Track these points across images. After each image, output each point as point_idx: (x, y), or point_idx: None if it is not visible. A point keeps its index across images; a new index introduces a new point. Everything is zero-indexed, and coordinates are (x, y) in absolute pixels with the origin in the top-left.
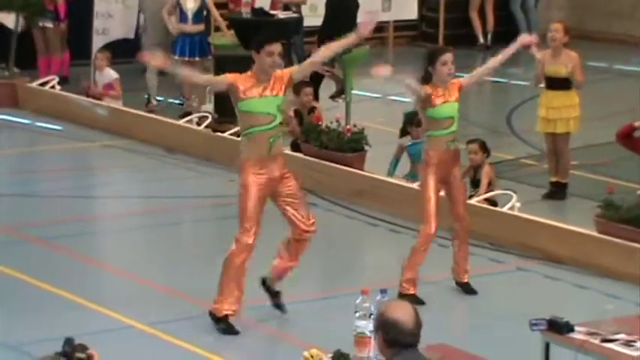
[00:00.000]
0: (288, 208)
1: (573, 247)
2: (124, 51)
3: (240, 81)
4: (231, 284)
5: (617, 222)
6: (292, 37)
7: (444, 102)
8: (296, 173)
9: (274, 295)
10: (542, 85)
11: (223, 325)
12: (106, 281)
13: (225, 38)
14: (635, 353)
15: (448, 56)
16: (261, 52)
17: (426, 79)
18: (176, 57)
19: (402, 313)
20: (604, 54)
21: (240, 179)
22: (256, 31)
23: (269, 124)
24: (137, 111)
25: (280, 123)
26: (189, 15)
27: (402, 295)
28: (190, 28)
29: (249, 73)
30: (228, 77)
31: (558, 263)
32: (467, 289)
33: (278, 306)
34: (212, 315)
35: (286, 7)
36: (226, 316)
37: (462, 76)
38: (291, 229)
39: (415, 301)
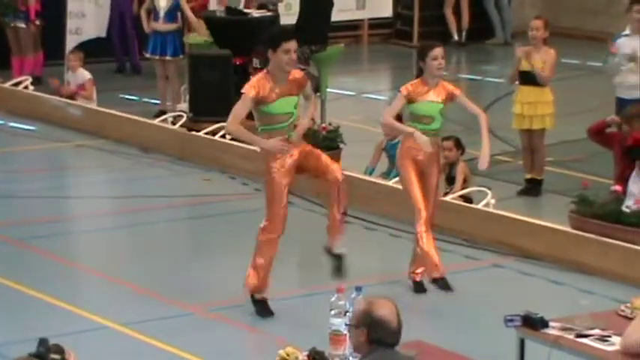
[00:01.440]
0: (313, 164)
1: (548, 243)
2: (96, 50)
3: (259, 89)
4: (264, 263)
5: (591, 218)
6: None
7: (427, 100)
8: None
9: (336, 259)
10: (517, 82)
11: (258, 307)
12: (81, 281)
13: (199, 37)
14: (609, 348)
15: (438, 51)
16: (277, 51)
17: (419, 75)
18: (148, 55)
19: (388, 311)
20: (578, 51)
21: (264, 169)
22: (230, 30)
23: (287, 121)
24: (111, 110)
25: (295, 117)
26: (161, 13)
27: (435, 280)
28: (162, 26)
29: (263, 74)
30: (248, 94)
31: (533, 259)
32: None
33: (338, 269)
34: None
35: (262, 6)
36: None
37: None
38: (324, 179)
39: (445, 285)
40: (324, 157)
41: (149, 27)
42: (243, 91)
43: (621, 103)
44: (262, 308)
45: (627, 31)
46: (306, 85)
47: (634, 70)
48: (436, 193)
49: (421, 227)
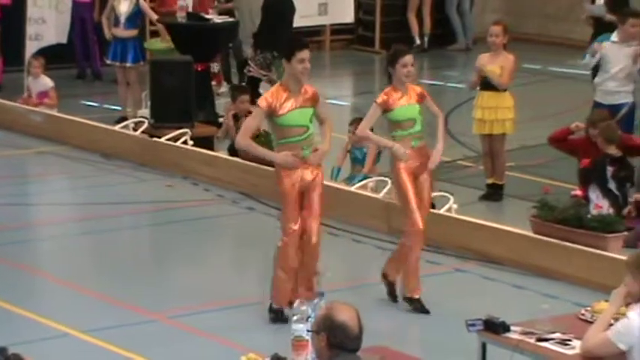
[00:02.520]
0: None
1: (510, 248)
2: (57, 56)
3: (272, 100)
4: (284, 276)
5: (552, 222)
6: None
7: (403, 104)
8: (234, 177)
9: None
10: (477, 87)
11: (273, 315)
12: (42, 289)
13: (160, 43)
14: (570, 352)
15: (408, 58)
16: (292, 61)
17: (389, 80)
18: (108, 61)
19: (349, 316)
20: (539, 56)
21: (277, 183)
22: (191, 36)
23: (302, 135)
24: (72, 117)
25: (312, 134)
26: (122, 19)
27: (411, 300)
28: (122, 32)
29: (277, 86)
30: (261, 106)
31: (495, 264)
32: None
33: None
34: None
35: (229, 12)
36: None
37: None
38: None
39: (421, 307)
40: (317, 209)
41: (110, 33)
42: (257, 103)
43: (598, 108)
44: (277, 317)
45: (614, 38)
46: (319, 100)
47: (613, 77)
48: (429, 199)
49: (409, 241)
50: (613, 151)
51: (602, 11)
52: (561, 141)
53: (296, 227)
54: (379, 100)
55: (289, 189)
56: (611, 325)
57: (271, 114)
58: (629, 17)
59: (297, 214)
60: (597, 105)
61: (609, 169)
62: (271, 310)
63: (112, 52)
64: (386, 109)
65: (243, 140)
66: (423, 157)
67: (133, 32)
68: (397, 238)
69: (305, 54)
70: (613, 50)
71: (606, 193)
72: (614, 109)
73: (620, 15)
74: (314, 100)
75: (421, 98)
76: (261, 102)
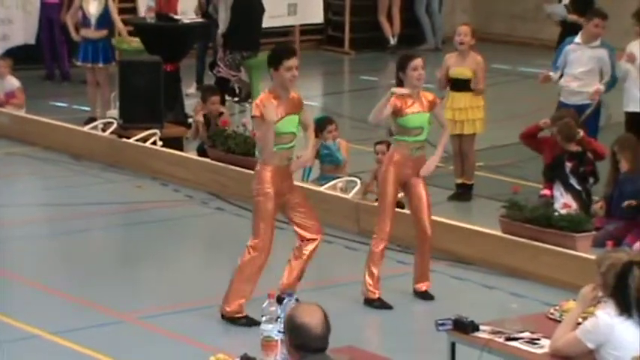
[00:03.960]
0: (296, 215)
1: (479, 248)
2: (25, 57)
3: (266, 106)
4: (244, 286)
5: (521, 222)
6: (207, 42)
7: (414, 112)
8: (204, 178)
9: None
10: (447, 88)
11: (244, 321)
12: (12, 290)
13: (129, 43)
14: (539, 351)
15: (418, 62)
16: (279, 69)
17: (398, 85)
18: (79, 63)
19: (311, 317)
20: (508, 56)
21: (256, 186)
22: (160, 37)
23: (290, 143)
24: (40, 118)
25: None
26: (93, 20)
27: (370, 300)
28: (93, 33)
29: (267, 93)
30: (258, 116)
31: (464, 263)
32: (425, 296)
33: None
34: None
35: (205, 14)
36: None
37: (372, 80)
38: (299, 234)
39: (382, 305)
40: (313, 214)
41: (79, 35)
42: (254, 114)
43: (563, 108)
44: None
45: (578, 39)
46: (303, 107)
47: (577, 77)
48: (428, 200)
49: (378, 247)
50: (572, 147)
51: (563, 11)
52: (531, 137)
53: (267, 246)
54: (393, 99)
55: (268, 197)
56: (579, 324)
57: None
58: (594, 17)
59: (270, 228)
60: (562, 105)
61: (567, 165)
62: (236, 319)
63: (83, 53)
64: (397, 112)
65: (266, 155)
66: (417, 168)
67: (103, 33)
68: (368, 238)
69: (293, 62)
70: (577, 51)
71: (568, 188)
72: (579, 109)
73: (586, 15)
74: (299, 106)
75: (432, 106)
76: (256, 112)
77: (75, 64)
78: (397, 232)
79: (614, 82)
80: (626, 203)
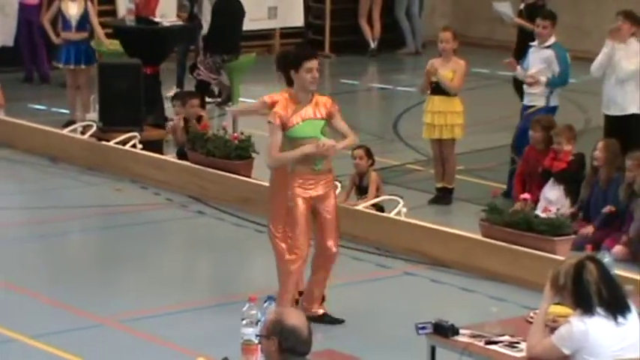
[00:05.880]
0: (321, 225)
1: (459, 251)
2: (4, 59)
3: (282, 109)
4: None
5: (501, 225)
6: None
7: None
8: (184, 181)
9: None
10: (428, 92)
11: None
12: None
13: (107, 46)
14: (518, 354)
15: (314, 63)
16: (299, 70)
17: (288, 83)
18: (61, 65)
19: (299, 320)
20: (488, 60)
21: (289, 194)
22: (140, 39)
23: None
24: (19, 120)
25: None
26: (73, 22)
27: (315, 318)
28: (74, 35)
29: (286, 95)
30: (275, 123)
31: (444, 267)
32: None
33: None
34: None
35: (191, 16)
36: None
37: (353, 83)
38: (317, 244)
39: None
40: (336, 228)
41: (59, 38)
42: (269, 120)
43: (524, 110)
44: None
45: (535, 43)
46: (336, 114)
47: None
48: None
49: (294, 265)
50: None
51: (509, 11)
52: (522, 182)
53: (304, 253)
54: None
55: (299, 202)
56: (555, 327)
57: (282, 127)
58: (540, 18)
59: (306, 234)
60: (525, 107)
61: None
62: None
63: (65, 55)
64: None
65: (272, 161)
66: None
67: (84, 34)
68: (346, 241)
69: (313, 63)
70: (533, 53)
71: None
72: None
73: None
74: (328, 113)
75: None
76: (274, 118)
77: (55, 66)
78: (376, 235)
79: (562, 81)
80: (606, 209)
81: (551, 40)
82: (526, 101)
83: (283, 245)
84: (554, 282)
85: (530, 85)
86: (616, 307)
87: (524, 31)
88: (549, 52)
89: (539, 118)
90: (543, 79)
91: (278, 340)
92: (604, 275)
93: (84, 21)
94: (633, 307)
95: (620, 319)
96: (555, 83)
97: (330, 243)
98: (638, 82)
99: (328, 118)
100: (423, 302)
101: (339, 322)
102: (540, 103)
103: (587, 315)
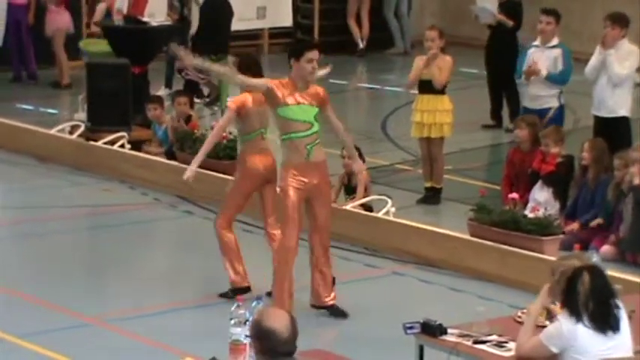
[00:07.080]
0: (315, 213)
1: (447, 251)
2: None
3: (279, 87)
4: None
5: (489, 225)
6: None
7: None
8: (171, 181)
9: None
10: (415, 90)
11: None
12: None
13: (96, 45)
14: (506, 354)
15: (315, 54)
16: (300, 60)
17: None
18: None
19: (278, 321)
20: (477, 60)
21: (281, 184)
22: (129, 39)
23: (306, 131)
24: (7, 120)
25: (316, 132)
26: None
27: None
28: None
29: (286, 80)
30: (268, 82)
31: (433, 267)
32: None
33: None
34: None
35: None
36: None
37: (341, 83)
38: (310, 225)
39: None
40: (326, 215)
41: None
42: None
43: (525, 112)
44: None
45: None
46: (328, 104)
47: (537, 81)
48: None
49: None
50: (558, 148)
51: (492, 8)
52: (509, 185)
53: (293, 243)
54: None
55: (291, 193)
56: (544, 326)
57: (273, 98)
58: (540, 16)
59: (296, 225)
60: (526, 110)
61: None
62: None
63: None
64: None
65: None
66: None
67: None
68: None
69: (314, 54)
70: (536, 54)
71: (559, 194)
72: (541, 113)
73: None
74: (321, 101)
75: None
76: (268, 83)
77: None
78: (364, 235)
79: (562, 79)
80: (595, 222)
81: (556, 40)
82: (536, 105)
83: (231, 236)
84: (552, 274)
85: (528, 76)
86: (602, 322)
87: (500, 28)
88: (557, 52)
89: (523, 116)
90: (544, 72)
91: (258, 342)
92: (596, 289)
93: None
94: (623, 323)
95: (609, 333)
96: (555, 79)
97: (322, 218)
98: (629, 86)
99: (320, 105)
100: (412, 302)
101: (344, 315)
102: (554, 103)
103: (573, 319)
